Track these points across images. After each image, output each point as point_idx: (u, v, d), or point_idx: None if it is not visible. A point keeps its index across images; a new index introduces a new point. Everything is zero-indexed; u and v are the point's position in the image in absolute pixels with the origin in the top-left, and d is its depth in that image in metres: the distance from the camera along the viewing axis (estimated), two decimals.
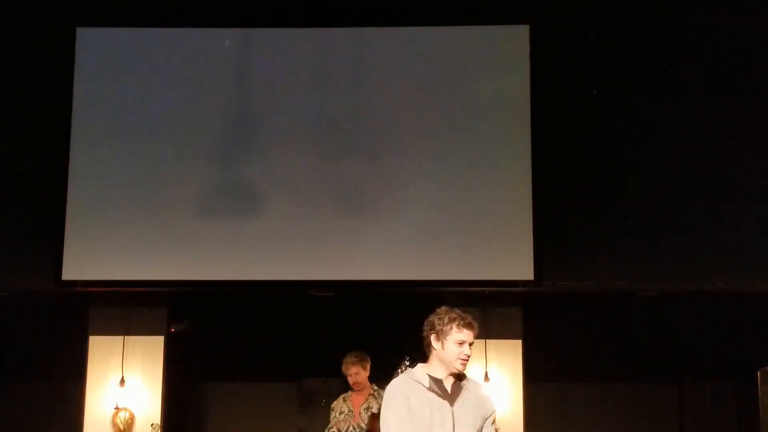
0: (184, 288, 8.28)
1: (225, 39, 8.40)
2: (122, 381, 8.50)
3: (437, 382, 4.26)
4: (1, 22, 8.44)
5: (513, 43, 8.27)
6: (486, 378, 8.31)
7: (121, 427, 8.38)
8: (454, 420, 4.18)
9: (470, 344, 4.27)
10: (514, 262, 7.99)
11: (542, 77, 8.19)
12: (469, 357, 4.27)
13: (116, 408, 8.43)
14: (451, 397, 4.24)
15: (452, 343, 4.24)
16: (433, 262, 8.01)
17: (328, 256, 8.06)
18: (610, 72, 8.29)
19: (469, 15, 8.31)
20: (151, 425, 8.41)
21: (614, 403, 9.21)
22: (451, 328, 4.24)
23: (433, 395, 4.22)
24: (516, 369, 8.49)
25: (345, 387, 7.15)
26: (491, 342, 8.41)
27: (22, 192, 8.27)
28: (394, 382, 4.32)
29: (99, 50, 8.40)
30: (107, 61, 8.37)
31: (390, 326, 8.59)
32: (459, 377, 4.31)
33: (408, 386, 4.25)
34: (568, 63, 8.31)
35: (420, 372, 4.31)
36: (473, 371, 8.29)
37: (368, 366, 7.03)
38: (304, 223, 8.09)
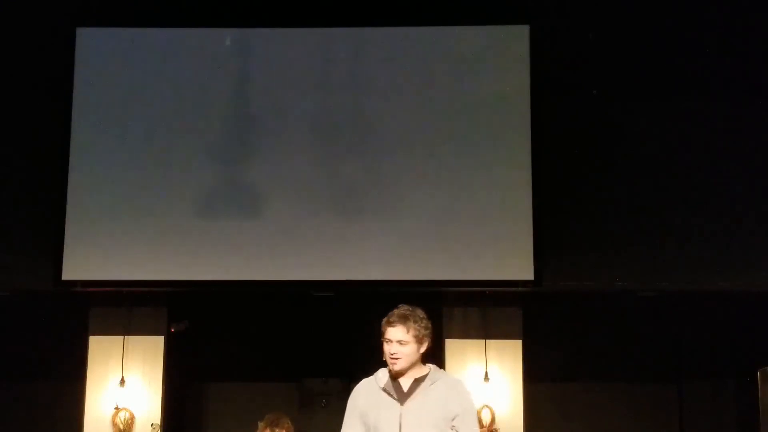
0: (184, 288, 8.28)
1: (225, 39, 8.40)
2: (122, 381, 8.50)
3: (394, 382, 4.21)
4: (1, 22, 8.43)
5: (513, 43, 8.26)
6: (486, 378, 8.29)
7: (121, 427, 8.37)
8: (400, 421, 4.11)
9: (400, 342, 4.15)
10: (514, 262, 7.98)
11: (542, 77, 8.19)
12: (396, 355, 4.15)
13: (116, 408, 8.42)
14: (405, 396, 4.17)
15: (384, 342, 4.22)
16: (433, 262, 7.99)
17: (328, 256, 8.05)
18: (610, 72, 8.29)
19: (469, 15, 8.30)
20: (151, 425, 8.41)
21: (614, 403, 9.20)
22: (382, 326, 4.24)
23: (384, 395, 4.18)
24: (516, 369, 8.47)
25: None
26: (491, 342, 8.38)
27: (22, 192, 8.27)
28: (361, 380, 4.34)
29: (99, 50, 8.38)
30: (107, 61, 8.36)
31: None
32: (421, 376, 4.22)
33: (365, 386, 4.28)
34: (568, 63, 8.30)
35: (383, 371, 4.29)
36: (474, 371, 8.31)
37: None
38: (304, 224, 8.09)
